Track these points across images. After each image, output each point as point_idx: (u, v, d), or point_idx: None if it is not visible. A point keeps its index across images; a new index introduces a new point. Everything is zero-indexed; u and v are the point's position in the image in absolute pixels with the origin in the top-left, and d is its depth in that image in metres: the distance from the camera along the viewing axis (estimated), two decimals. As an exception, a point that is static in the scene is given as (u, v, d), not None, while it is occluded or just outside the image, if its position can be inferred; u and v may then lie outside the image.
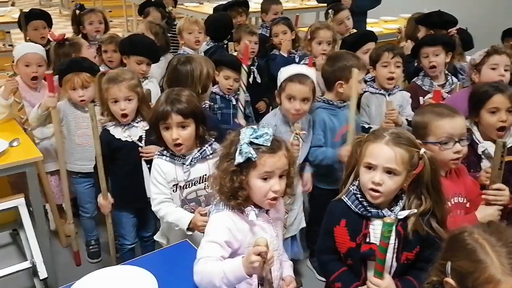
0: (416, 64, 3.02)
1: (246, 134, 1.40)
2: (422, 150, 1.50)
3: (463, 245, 1.13)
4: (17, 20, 3.88)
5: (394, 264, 1.52)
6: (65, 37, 3.04)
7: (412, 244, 1.51)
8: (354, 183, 1.58)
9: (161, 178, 1.88)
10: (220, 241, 1.41)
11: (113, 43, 3.03)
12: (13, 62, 2.83)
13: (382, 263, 1.39)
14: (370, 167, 1.49)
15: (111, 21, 3.80)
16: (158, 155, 1.91)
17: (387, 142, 1.47)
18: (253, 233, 1.46)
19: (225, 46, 3.61)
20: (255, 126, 1.44)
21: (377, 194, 1.48)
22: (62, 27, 9.01)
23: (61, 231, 2.88)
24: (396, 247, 1.50)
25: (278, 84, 2.32)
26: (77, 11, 3.70)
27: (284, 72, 2.30)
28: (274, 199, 1.45)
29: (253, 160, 1.39)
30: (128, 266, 1.51)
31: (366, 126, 2.61)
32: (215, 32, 3.57)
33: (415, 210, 1.49)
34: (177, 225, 1.85)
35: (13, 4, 7.05)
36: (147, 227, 2.51)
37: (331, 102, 2.44)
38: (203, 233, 1.55)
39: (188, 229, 1.80)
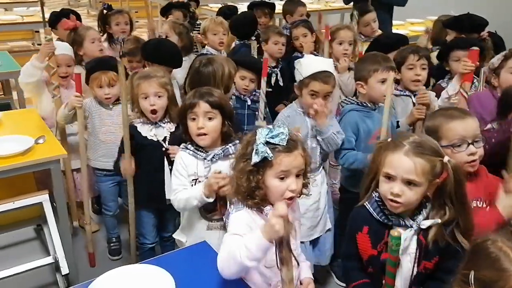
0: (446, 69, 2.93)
1: (262, 134, 1.41)
2: (446, 159, 1.45)
3: (486, 254, 1.10)
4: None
5: (415, 271, 1.48)
6: (75, 27, 3.14)
7: (431, 254, 1.47)
8: (377, 189, 1.55)
9: (183, 170, 1.89)
10: (242, 234, 1.39)
11: (138, 55, 2.98)
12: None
13: (392, 277, 1.35)
14: (389, 177, 1.46)
15: (137, 21, 3.85)
16: (182, 148, 1.93)
17: (406, 152, 1.44)
18: None
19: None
20: (270, 126, 1.44)
21: (396, 204, 1.45)
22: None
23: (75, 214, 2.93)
24: (416, 256, 1.47)
25: (297, 76, 2.29)
26: (105, 11, 3.75)
27: (305, 66, 2.27)
28: (291, 198, 1.44)
29: (269, 159, 1.39)
30: (147, 264, 1.52)
31: (394, 123, 2.54)
32: (239, 29, 3.60)
33: (439, 220, 1.45)
34: (195, 197, 1.81)
35: (42, 4, 7.21)
36: (167, 228, 2.52)
37: (364, 104, 2.40)
38: (220, 194, 1.65)
39: (206, 197, 1.78)
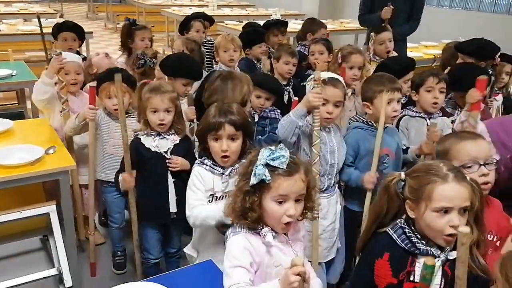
0: None
1: (263, 155, 1.38)
2: (467, 176, 1.41)
3: None
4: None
5: None
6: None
7: None
8: (402, 217, 1.48)
9: (200, 185, 1.88)
10: (244, 265, 1.37)
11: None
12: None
13: None
14: (445, 210, 1.36)
15: (153, 35, 3.85)
16: (199, 163, 1.92)
17: (454, 179, 1.36)
18: (270, 255, 1.43)
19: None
20: (273, 148, 1.41)
21: (453, 238, 1.36)
22: (106, 40, 9.37)
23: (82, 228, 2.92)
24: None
25: (308, 88, 2.23)
26: (130, 26, 3.66)
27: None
28: (288, 223, 1.40)
29: (267, 182, 1.37)
30: (148, 282, 1.50)
31: (404, 147, 2.53)
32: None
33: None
34: (214, 218, 1.78)
35: (61, 16, 7.37)
36: (172, 243, 2.51)
37: (370, 123, 2.39)
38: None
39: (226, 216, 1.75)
